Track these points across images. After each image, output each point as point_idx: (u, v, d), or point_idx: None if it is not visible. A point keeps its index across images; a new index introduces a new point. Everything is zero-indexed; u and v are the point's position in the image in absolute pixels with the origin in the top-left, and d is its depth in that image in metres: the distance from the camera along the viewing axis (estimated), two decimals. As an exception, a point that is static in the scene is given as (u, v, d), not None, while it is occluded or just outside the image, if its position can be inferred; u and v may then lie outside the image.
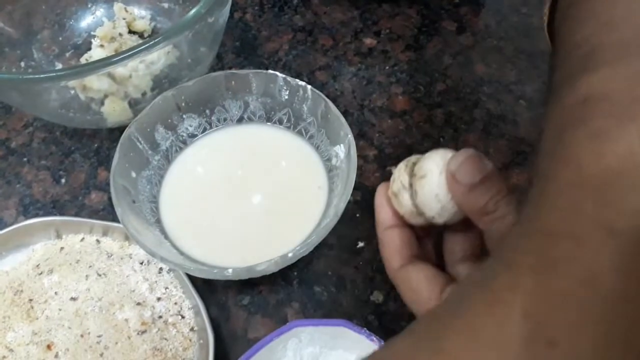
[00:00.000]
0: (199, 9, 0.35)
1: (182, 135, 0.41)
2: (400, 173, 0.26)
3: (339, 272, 0.37)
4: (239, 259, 0.35)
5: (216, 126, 0.42)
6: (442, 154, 0.25)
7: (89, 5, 0.50)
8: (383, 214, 0.27)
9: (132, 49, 0.33)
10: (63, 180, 0.42)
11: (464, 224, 0.26)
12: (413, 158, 0.27)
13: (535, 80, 0.48)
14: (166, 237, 0.36)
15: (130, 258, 0.36)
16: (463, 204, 0.24)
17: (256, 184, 0.39)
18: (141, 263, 0.36)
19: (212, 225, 0.37)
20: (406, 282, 0.25)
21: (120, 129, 0.43)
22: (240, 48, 0.50)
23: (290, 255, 0.32)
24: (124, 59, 0.33)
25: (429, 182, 0.24)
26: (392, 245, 0.26)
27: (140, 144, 0.38)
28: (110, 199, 0.41)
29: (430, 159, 0.25)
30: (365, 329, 0.31)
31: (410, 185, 0.25)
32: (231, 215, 0.38)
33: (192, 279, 0.35)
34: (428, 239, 0.29)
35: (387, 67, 0.50)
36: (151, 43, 0.34)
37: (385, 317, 0.36)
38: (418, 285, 0.25)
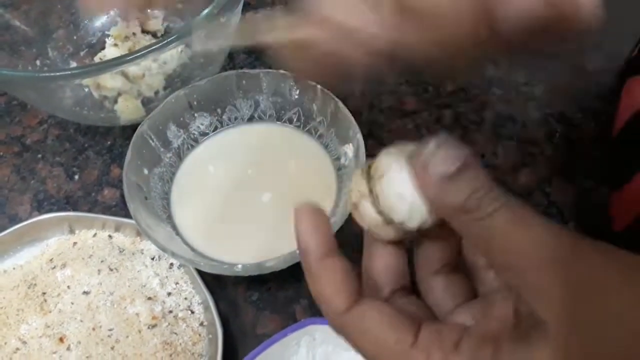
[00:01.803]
0: (211, 10, 0.35)
1: (194, 134, 0.41)
2: (356, 180, 0.22)
3: (347, 270, 0.38)
4: (249, 255, 0.36)
5: (227, 125, 0.43)
6: (400, 148, 0.22)
7: (104, 5, 0.51)
8: (312, 239, 0.21)
9: (145, 48, 0.34)
10: (76, 177, 0.43)
11: (440, 231, 0.22)
12: (368, 161, 0.23)
13: (544, 82, 0.48)
14: (177, 233, 0.37)
15: (142, 254, 0.37)
16: (437, 202, 0.20)
17: (266, 182, 0.40)
18: (152, 258, 0.37)
19: (222, 223, 0.38)
20: (360, 331, 0.20)
21: (133, 127, 0.44)
22: (251, 48, 0.51)
23: (299, 252, 0.32)
24: (137, 58, 0.34)
25: (390, 180, 0.21)
26: (332, 280, 0.20)
27: (153, 141, 0.38)
28: (122, 195, 0.41)
29: (387, 155, 0.22)
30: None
31: (370, 191, 0.22)
32: (241, 213, 0.38)
33: (202, 275, 0.35)
34: (400, 258, 0.24)
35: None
36: (164, 42, 0.34)
37: (392, 315, 0.36)
38: (380, 332, 0.20)
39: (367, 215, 0.22)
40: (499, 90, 0.48)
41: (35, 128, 0.46)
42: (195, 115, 0.41)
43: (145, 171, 0.38)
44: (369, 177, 0.22)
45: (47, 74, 0.33)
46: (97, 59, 0.48)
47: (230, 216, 0.38)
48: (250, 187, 0.39)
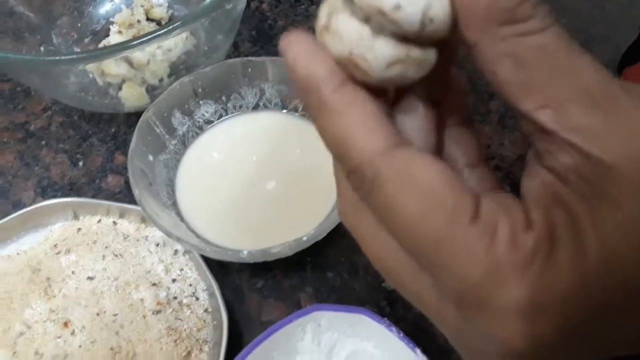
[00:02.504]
0: (217, -4, 0.35)
1: (199, 121, 0.41)
2: (326, 3, 0.16)
3: (352, 259, 0.38)
4: (254, 242, 0.35)
5: (232, 113, 0.42)
6: None
7: (108, -8, 0.51)
8: (319, 64, 0.15)
9: (149, 34, 0.34)
10: (80, 164, 0.43)
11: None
12: None
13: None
14: (182, 220, 0.37)
15: (146, 240, 0.37)
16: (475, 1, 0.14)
17: (271, 169, 0.39)
18: (157, 245, 0.37)
19: (227, 210, 0.38)
20: (404, 177, 0.15)
21: (137, 114, 0.43)
22: (257, 37, 0.50)
23: (304, 239, 0.32)
24: (141, 44, 0.34)
25: None
26: (364, 113, 0.15)
27: (158, 128, 0.38)
28: (126, 182, 0.41)
29: None
30: (385, 318, 0.31)
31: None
32: (246, 200, 0.38)
33: (207, 262, 0.35)
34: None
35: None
36: (168, 29, 0.34)
37: (396, 303, 0.36)
38: (434, 185, 0.14)
39: (348, 31, 0.15)
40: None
41: (39, 115, 0.46)
42: (200, 102, 0.41)
43: (150, 157, 0.37)
44: None
45: (51, 58, 0.33)
46: (101, 46, 0.48)
47: (235, 203, 0.38)
48: (255, 175, 0.39)
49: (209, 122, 0.42)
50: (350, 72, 0.16)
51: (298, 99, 0.41)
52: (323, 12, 0.16)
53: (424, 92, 0.18)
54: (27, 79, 0.39)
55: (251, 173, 0.39)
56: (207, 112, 0.42)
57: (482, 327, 0.15)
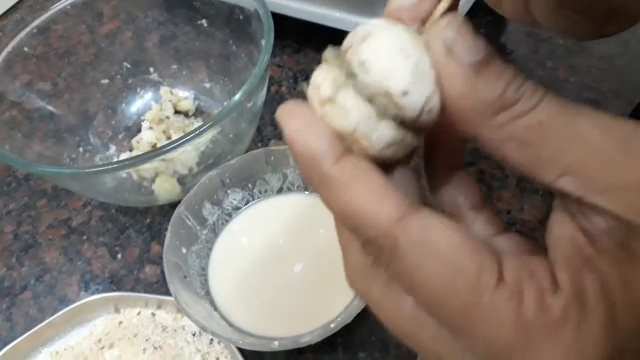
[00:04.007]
0: (240, 98, 0.38)
1: (228, 209, 0.44)
2: (323, 73, 0.16)
3: (383, 337, 0.38)
4: (285, 328, 0.37)
5: (258, 198, 0.45)
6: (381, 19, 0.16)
7: (138, 90, 0.55)
8: (317, 138, 0.15)
9: (182, 138, 0.36)
10: (119, 256, 0.46)
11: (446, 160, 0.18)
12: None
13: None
14: (216, 309, 0.39)
15: (184, 330, 0.39)
16: (466, 96, 0.15)
17: (297, 252, 0.41)
18: (194, 335, 0.38)
19: (257, 295, 0.39)
20: (425, 247, 0.14)
21: (170, 204, 0.46)
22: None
23: (332, 326, 0.33)
24: (176, 148, 0.36)
25: (380, 39, 0.15)
26: (371, 182, 0.15)
27: (190, 221, 0.41)
28: (163, 272, 0.44)
29: (366, 25, 0.16)
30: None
31: (351, 74, 0.15)
32: (274, 285, 0.40)
33: (242, 349, 0.37)
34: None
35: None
36: (199, 132, 0.37)
37: (429, 381, 0.36)
38: (454, 253, 0.14)
39: (352, 109, 0.15)
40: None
41: (80, 211, 0.49)
42: (229, 192, 0.43)
43: (184, 250, 0.40)
44: (343, 60, 0.16)
45: (92, 170, 0.36)
46: (134, 142, 0.51)
47: (265, 288, 0.40)
48: (283, 258, 0.41)
49: (237, 208, 0.44)
50: (347, 146, 0.16)
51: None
52: (326, 83, 0.16)
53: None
54: (67, 184, 0.42)
55: (279, 257, 0.41)
56: (235, 200, 0.44)
57: None
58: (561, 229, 0.16)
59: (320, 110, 0.16)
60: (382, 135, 0.16)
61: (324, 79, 0.16)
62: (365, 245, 0.16)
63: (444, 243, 0.15)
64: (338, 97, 0.15)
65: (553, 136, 0.14)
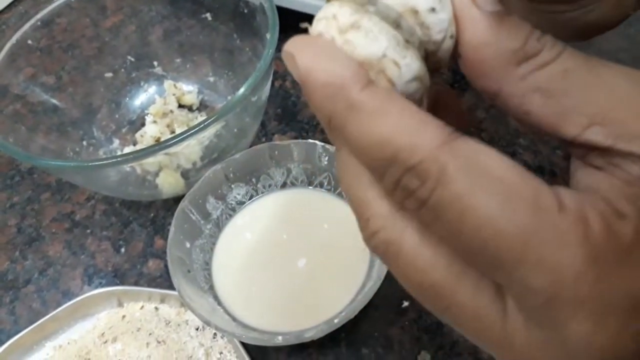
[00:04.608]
0: (244, 92, 0.38)
1: (231, 203, 0.44)
2: (335, 6, 0.15)
3: (386, 333, 0.38)
4: (288, 322, 0.37)
5: (262, 192, 0.45)
6: None
7: (142, 84, 0.54)
8: (339, 63, 0.14)
9: (185, 132, 0.36)
10: (123, 250, 0.46)
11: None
12: None
13: (570, 129, 0.49)
14: (219, 303, 0.39)
15: (187, 324, 0.39)
16: (489, 44, 0.14)
17: (301, 247, 0.41)
18: (197, 329, 0.38)
19: (261, 290, 0.39)
20: (477, 168, 0.13)
21: (174, 198, 0.46)
22: (282, 115, 0.53)
23: (336, 321, 0.33)
24: (179, 142, 0.36)
25: None
26: (408, 107, 0.14)
27: (194, 215, 0.41)
28: (166, 266, 0.43)
29: None
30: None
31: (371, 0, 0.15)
32: (278, 279, 0.40)
33: (245, 344, 0.37)
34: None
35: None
36: (202, 125, 0.36)
37: (433, 376, 0.36)
38: (509, 175, 0.13)
39: (379, 32, 0.14)
40: (525, 141, 0.49)
41: (84, 204, 0.49)
42: (232, 186, 0.43)
43: (187, 244, 0.40)
44: None
45: (96, 163, 0.36)
46: (138, 136, 0.51)
47: (268, 283, 0.39)
48: (286, 253, 0.41)
49: (240, 203, 0.44)
50: (370, 78, 0.14)
51: (321, 175, 0.43)
52: (345, 10, 0.15)
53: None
54: (71, 178, 0.42)
55: (282, 251, 0.41)
56: (238, 194, 0.44)
57: (579, 333, 0.13)
58: (593, 181, 0.15)
59: (341, 38, 0.15)
60: (410, 62, 0.15)
61: (339, 7, 0.15)
62: (402, 179, 0.14)
63: (497, 168, 0.13)
64: (362, 20, 0.14)
65: (578, 84, 0.14)
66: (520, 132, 0.49)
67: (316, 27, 0.15)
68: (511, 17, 0.15)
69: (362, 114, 0.14)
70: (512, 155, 0.48)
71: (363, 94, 0.14)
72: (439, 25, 0.15)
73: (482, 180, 0.13)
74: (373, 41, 0.14)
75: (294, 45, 0.14)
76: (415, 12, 0.14)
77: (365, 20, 0.14)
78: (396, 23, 0.14)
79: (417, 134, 0.13)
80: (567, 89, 0.14)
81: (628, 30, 0.57)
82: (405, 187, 0.14)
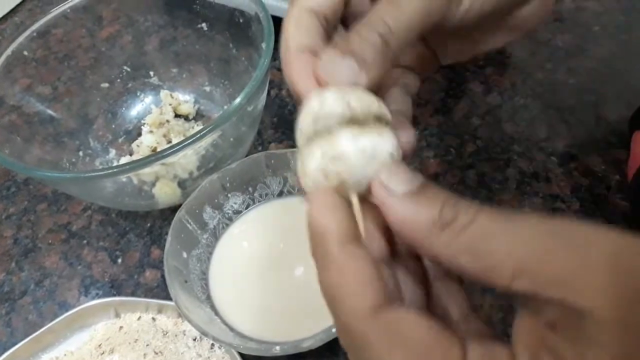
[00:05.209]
0: (240, 101, 0.38)
1: (228, 213, 0.44)
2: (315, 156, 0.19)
3: (383, 341, 0.38)
4: (286, 332, 0.37)
5: (259, 201, 0.45)
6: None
7: (138, 94, 0.55)
8: (332, 219, 0.18)
9: (182, 142, 0.36)
10: (119, 260, 0.45)
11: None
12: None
13: (565, 135, 0.49)
14: (216, 313, 0.38)
15: (184, 335, 0.39)
16: (408, 222, 0.17)
17: (298, 256, 0.41)
18: (194, 339, 0.38)
19: (258, 299, 0.39)
20: (394, 338, 0.16)
21: (170, 208, 0.46)
22: (278, 124, 0.53)
23: (334, 330, 0.33)
24: (176, 152, 0.36)
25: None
26: (361, 271, 0.17)
27: (190, 225, 0.41)
28: (163, 276, 0.44)
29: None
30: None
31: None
32: (275, 288, 0.40)
33: (243, 353, 0.36)
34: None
35: (417, 132, 0.52)
36: (199, 135, 0.37)
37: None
38: (422, 344, 0.16)
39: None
40: (520, 147, 0.49)
41: (80, 215, 0.49)
42: (229, 195, 0.43)
43: (184, 254, 0.40)
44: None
45: (92, 174, 0.36)
46: (134, 146, 0.51)
47: (265, 292, 0.39)
48: (283, 262, 0.41)
49: (237, 212, 0.44)
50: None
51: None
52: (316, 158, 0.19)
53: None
54: (67, 189, 0.42)
55: (279, 260, 0.41)
56: (235, 203, 0.44)
57: None
58: (523, 323, 0.17)
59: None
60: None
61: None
62: (337, 332, 0.18)
63: (412, 332, 0.16)
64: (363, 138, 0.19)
65: (497, 242, 0.16)
66: (514, 139, 0.50)
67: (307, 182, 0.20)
68: (427, 189, 0.17)
69: (326, 261, 0.18)
70: (507, 162, 0.48)
71: (337, 248, 0.17)
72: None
73: (400, 345, 0.16)
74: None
75: (309, 195, 0.19)
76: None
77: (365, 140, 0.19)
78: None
79: (355, 295, 0.17)
80: (488, 248, 0.16)
81: (621, 37, 0.57)
82: (339, 338, 0.18)
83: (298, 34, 0.21)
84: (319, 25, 0.22)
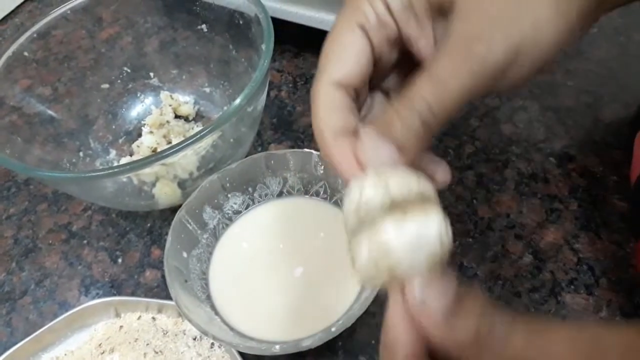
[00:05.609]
0: (240, 102, 0.38)
1: (228, 213, 0.44)
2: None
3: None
4: (286, 331, 0.37)
5: (258, 202, 0.45)
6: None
7: (138, 95, 0.55)
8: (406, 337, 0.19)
9: (182, 143, 0.37)
10: (120, 260, 0.46)
11: None
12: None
13: (563, 136, 0.49)
14: (216, 312, 0.39)
15: (184, 334, 0.39)
16: (447, 341, 0.17)
17: (297, 255, 0.41)
18: (194, 339, 0.38)
19: (258, 299, 0.39)
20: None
21: (170, 208, 0.46)
22: (277, 124, 0.54)
23: (333, 329, 0.33)
24: (176, 152, 0.36)
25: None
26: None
27: (190, 225, 0.41)
28: (163, 276, 0.44)
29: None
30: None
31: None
32: (275, 289, 0.40)
33: (242, 353, 0.37)
34: None
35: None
36: (199, 136, 0.37)
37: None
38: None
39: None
40: (518, 148, 0.49)
41: (80, 215, 0.49)
42: (229, 195, 0.43)
43: (184, 254, 0.40)
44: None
45: (92, 174, 0.36)
46: (134, 147, 0.51)
47: (265, 292, 0.40)
48: (283, 262, 0.41)
49: (237, 212, 0.44)
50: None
51: (317, 184, 0.44)
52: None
53: None
54: (67, 189, 0.42)
55: (279, 260, 0.41)
56: (235, 203, 0.44)
57: None
58: None
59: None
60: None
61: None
62: None
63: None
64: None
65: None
66: (513, 140, 0.50)
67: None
68: (462, 302, 0.17)
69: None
70: (506, 162, 0.48)
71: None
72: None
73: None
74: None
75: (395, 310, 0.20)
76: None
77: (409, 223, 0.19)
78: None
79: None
80: None
81: (618, 39, 0.57)
82: None
83: (329, 117, 0.21)
84: (349, 102, 0.21)
